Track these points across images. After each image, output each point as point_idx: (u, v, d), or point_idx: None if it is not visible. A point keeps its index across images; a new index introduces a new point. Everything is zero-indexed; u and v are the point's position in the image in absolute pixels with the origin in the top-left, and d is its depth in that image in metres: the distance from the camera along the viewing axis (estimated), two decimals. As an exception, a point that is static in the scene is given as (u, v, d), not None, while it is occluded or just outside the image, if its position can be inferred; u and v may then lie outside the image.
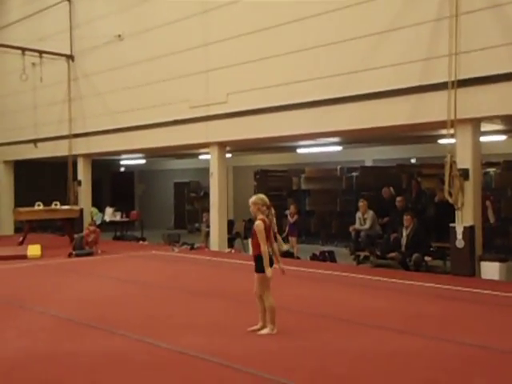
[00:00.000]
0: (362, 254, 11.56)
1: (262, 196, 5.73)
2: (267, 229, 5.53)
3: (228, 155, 16.69)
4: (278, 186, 17.51)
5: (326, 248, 13.39)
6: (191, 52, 13.17)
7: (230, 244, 13.89)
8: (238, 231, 14.92)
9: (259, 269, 5.51)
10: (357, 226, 11.79)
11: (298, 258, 12.30)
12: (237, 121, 12.25)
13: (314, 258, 12.10)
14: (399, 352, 5.03)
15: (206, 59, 12.87)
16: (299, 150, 15.85)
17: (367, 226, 11.58)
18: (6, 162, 19.98)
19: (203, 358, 4.85)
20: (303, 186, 16.48)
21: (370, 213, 11.67)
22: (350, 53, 10.27)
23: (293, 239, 12.90)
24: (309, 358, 4.91)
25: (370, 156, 16.56)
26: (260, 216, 5.57)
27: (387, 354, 4.96)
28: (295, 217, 12.85)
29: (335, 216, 15.78)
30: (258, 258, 5.51)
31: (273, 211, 5.69)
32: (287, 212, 13.16)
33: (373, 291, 8.12)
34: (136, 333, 5.68)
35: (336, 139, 13.38)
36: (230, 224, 15.00)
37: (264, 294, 5.56)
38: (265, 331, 5.59)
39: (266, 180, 17.74)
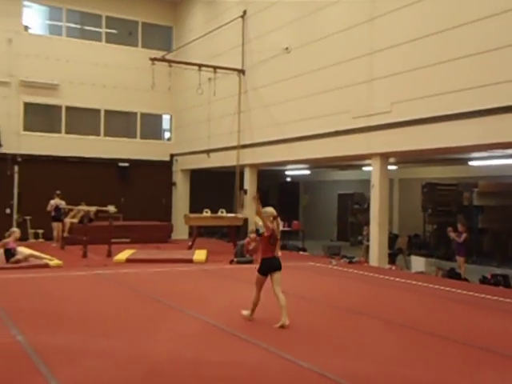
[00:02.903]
0: (542, 281, 10.25)
1: (268, 210, 6.81)
2: (273, 235, 6.68)
3: (393, 167, 16.06)
4: (447, 200, 16.39)
5: (500, 271, 12.10)
6: (355, 61, 12.93)
7: (392, 260, 13.27)
8: (401, 247, 14.23)
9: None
10: (536, 248, 10.48)
11: (466, 279, 11.29)
12: (400, 131, 11.68)
13: (484, 281, 11.02)
14: None
15: (370, 68, 12.53)
16: (471, 163, 14.63)
17: (549, 249, 10.22)
18: (183, 171, 21.62)
19: (342, 384, 4.60)
20: (475, 202, 15.15)
21: (554, 235, 10.29)
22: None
23: (460, 259, 11.88)
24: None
25: (557, 169, 14.71)
26: (268, 223, 6.75)
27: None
28: (463, 235, 11.81)
29: (513, 236, 14.29)
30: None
31: (279, 221, 6.96)
32: (450, 233, 12.10)
33: (551, 326, 7.10)
34: (279, 348, 5.60)
35: (515, 150, 12.08)
36: (393, 238, 14.37)
37: (276, 292, 6.67)
38: (278, 324, 6.47)
39: (433, 194, 16.72)
